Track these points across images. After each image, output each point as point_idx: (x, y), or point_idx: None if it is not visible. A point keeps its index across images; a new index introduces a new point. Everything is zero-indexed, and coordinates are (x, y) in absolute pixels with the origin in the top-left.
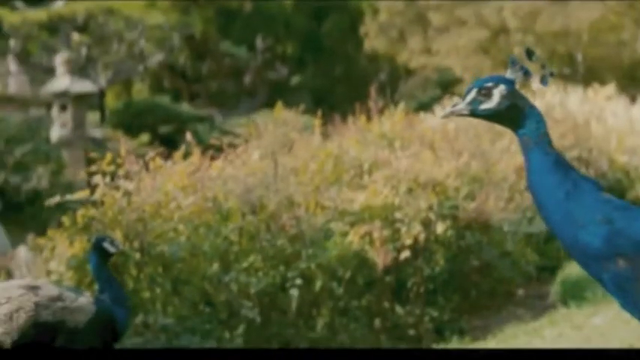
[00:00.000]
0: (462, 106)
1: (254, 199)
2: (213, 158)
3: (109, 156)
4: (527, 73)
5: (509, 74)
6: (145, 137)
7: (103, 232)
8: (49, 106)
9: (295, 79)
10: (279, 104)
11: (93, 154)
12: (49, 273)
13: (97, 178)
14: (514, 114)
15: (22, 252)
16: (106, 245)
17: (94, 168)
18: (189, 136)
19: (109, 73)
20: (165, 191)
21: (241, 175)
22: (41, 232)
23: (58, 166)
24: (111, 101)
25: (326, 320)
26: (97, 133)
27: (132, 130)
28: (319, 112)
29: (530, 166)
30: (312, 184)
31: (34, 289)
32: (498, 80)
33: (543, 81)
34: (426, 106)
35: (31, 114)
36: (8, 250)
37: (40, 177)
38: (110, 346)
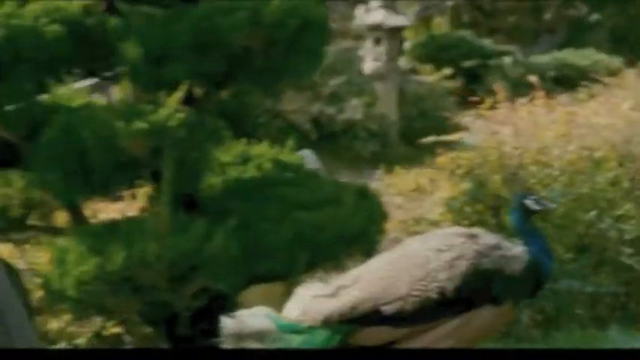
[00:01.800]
0: None
1: (633, 150)
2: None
3: (487, 102)
4: None
5: None
6: (447, 71)
7: (485, 177)
8: (357, 38)
9: (594, 17)
10: None
11: (473, 99)
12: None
13: (468, 120)
14: None
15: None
16: (529, 202)
17: (472, 112)
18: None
19: (418, 9)
20: (543, 139)
21: (619, 124)
22: (353, 163)
23: (371, 98)
24: (408, 35)
25: None
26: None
27: (435, 64)
28: None
29: None
30: None
31: (473, 237)
32: None
33: None
34: None
35: (341, 46)
36: None
37: (354, 108)
38: (533, 294)
